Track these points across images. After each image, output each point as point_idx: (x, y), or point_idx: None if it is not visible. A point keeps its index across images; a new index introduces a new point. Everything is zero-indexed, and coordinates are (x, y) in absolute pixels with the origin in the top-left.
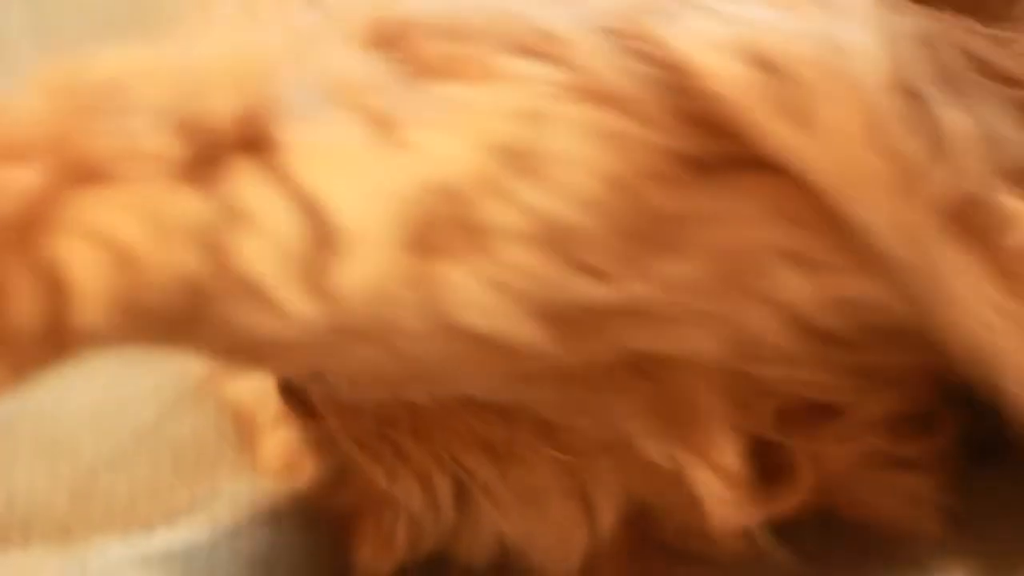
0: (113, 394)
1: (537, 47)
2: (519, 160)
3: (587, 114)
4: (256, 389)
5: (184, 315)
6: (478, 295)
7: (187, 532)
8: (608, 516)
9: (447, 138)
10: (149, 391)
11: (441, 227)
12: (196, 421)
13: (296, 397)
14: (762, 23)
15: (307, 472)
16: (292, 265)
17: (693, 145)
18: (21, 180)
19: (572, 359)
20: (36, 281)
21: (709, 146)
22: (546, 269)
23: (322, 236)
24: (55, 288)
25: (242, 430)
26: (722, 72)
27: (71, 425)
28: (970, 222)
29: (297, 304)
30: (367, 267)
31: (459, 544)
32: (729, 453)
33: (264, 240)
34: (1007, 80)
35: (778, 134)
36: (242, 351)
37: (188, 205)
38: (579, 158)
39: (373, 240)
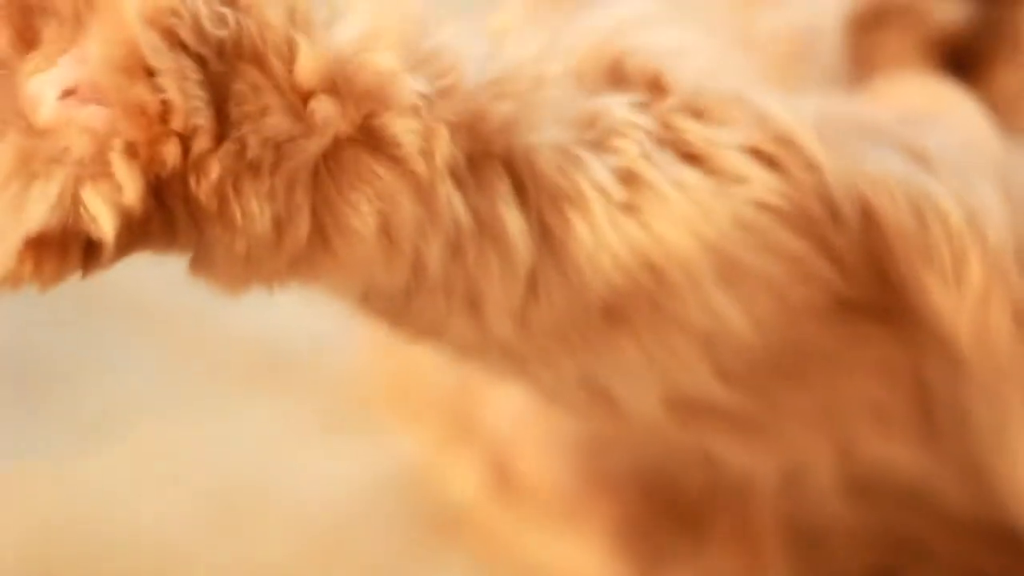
0: (344, 467)
1: (766, 148)
2: (723, 265)
3: (790, 239)
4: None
5: None
6: (631, 370)
7: None
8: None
9: (672, 219)
10: (373, 466)
11: (636, 300)
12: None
13: None
14: (920, 178)
15: None
16: (507, 298)
17: (853, 288)
18: None
19: (654, 437)
20: None
21: (862, 290)
22: (696, 364)
23: (533, 273)
24: None
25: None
26: (895, 218)
27: (307, 495)
28: None
29: (496, 323)
30: (564, 305)
31: None
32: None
33: (496, 257)
34: None
35: (927, 285)
36: (423, 333)
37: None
38: (770, 281)
39: (583, 289)
